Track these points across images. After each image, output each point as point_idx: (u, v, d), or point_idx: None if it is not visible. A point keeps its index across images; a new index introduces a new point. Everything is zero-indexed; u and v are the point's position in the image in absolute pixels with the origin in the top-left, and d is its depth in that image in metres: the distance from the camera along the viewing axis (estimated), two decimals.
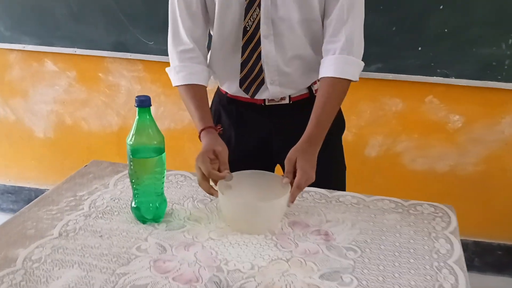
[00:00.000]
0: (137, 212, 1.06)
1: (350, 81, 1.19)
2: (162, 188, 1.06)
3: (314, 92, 1.32)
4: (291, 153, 1.09)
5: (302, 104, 1.32)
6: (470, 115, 1.99)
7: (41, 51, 2.28)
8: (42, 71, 2.35)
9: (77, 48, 2.23)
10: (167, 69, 1.31)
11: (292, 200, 1.02)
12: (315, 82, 1.32)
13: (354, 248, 0.99)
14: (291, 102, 1.32)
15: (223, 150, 1.10)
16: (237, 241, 1.00)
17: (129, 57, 2.19)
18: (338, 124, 1.36)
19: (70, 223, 1.06)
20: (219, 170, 1.08)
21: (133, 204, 1.06)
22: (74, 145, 2.48)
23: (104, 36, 2.17)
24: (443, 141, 2.05)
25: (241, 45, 1.23)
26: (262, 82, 1.27)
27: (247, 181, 1.09)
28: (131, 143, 1.00)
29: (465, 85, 1.91)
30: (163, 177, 1.06)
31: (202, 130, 1.18)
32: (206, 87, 1.28)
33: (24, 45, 2.28)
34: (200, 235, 1.02)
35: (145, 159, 1.02)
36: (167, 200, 1.11)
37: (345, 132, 1.43)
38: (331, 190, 1.22)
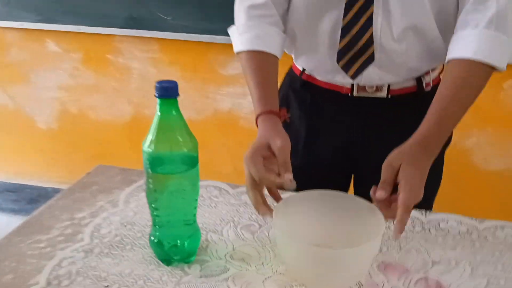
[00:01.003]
0: (158, 249, 0.73)
1: (494, 69, 0.82)
2: (194, 214, 0.73)
3: (424, 86, 0.96)
4: (394, 157, 0.75)
5: (405, 101, 0.96)
6: None
7: (42, 29, 1.97)
8: (43, 52, 2.06)
9: (82, 25, 1.91)
10: (229, 30, 0.97)
11: (401, 230, 0.69)
12: (428, 72, 0.95)
13: None
14: (389, 96, 0.95)
15: (283, 144, 0.76)
16: None
17: (143, 35, 1.89)
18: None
19: (63, 263, 0.73)
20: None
21: (152, 237, 0.73)
22: (80, 137, 2.18)
23: (113, 10, 1.86)
24: None
25: (344, 1, 0.87)
26: (372, 58, 0.90)
27: (316, 205, 0.75)
28: (150, 150, 0.67)
29: None
30: (197, 199, 0.73)
31: (259, 115, 0.84)
32: (277, 58, 0.92)
33: (22, 23, 1.97)
34: (252, 286, 0.69)
35: (170, 175, 0.68)
36: (200, 227, 0.78)
37: None
38: (423, 211, 0.88)
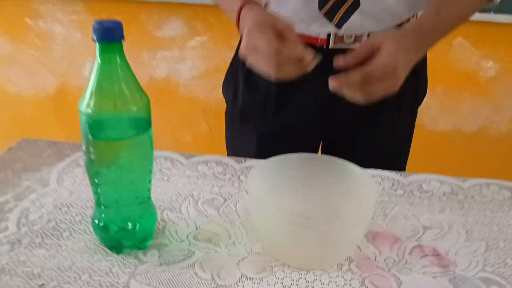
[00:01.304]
0: (105, 235, 0.59)
1: None
2: (148, 190, 0.60)
3: None
4: (378, 36, 0.67)
5: None
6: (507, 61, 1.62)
7: None
8: None
9: None
10: None
11: (338, 84, 0.64)
12: (409, 20, 0.84)
13: (497, 280, 0.57)
14: None
15: (288, 25, 0.67)
16: (295, 282, 0.56)
17: None
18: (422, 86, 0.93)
19: None
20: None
21: (96, 221, 0.59)
22: None
23: None
24: (473, 94, 1.67)
25: None
26: (358, 2, 0.77)
27: (295, 172, 0.64)
28: (89, 111, 0.52)
29: (506, 22, 1.52)
30: (151, 171, 0.59)
31: (244, 4, 0.71)
32: None
33: None
34: (225, 271, 0.57)
35: (116, 142, 0.54)
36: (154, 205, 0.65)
37: None
38: (402, 173, 0.80)
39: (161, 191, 0.72)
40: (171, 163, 0.80)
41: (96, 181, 0.56)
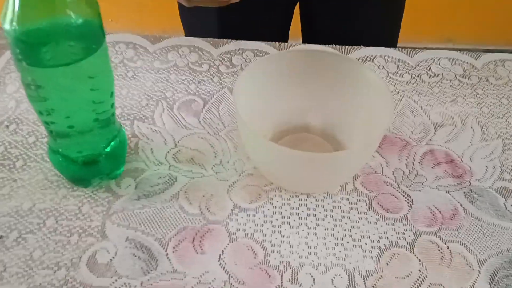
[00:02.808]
0: (66, 168, 0.49)
1: None
2: (111, 107, 0.48)
3: None
4: None
5: None
6: None
7: None
8: None
9: None
10: None
11: None
12: None
13: None
14: None
15: None
16: (295, 210, 0.49)
17: None
18: None
19: None
20: None
21: (53, 153, 0.49)
22: None
23: None
24: None
25: None
26: None
27: (290, 71, 0.52)
28: (15, 27, 0.38)
29: None
30: (113, 92, 0.47)
31: None
32: None
33: None
34: (214, 202, 0.50)
35: (61, 68, 0.41)
36: (118, 112, 0.54)
37: None
38: (409, 50, 0.69)
39: (127, 93, 0.60)
40: (134, 51, 0.66)
41: (41, 111, 0.44)
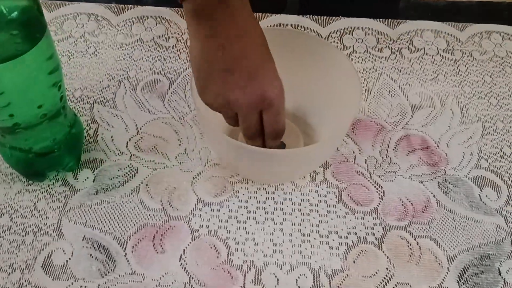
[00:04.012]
0: (18, 163, 0.46)
1: None
2: (59, 100, 0.44)
3: None
4: None
5: None
6: None
7: None
8: None
9: None
10: None
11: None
12: None
13: (492, 179, 0.50)
14: None
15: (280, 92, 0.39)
16: (261, 204, 0.47)
17: None
18: None
19: None
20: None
21: (3, 147, 0.46)
22: None
23: None
24: None
25: None
26: None
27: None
28: None
29: None
30: (60, 81, 0.43)
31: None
32: None
33: None
34: (177, 196, 0.47)
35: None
36: (77, 95, 0.51)
37: None
38: (391, 21, 0.64)
39: (87, 73, 0.57)
40: (96, 23, 0.62)
41: None
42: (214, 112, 0.40)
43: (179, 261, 0.43)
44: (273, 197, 0.48)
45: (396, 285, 0.43)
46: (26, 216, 0.45)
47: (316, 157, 0.44)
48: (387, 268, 0.44)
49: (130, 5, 0.64)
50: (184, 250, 0.44)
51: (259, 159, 0.42)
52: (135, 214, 0.46)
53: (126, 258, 0.43)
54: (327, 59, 0.47)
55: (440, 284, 0.43)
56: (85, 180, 0.48)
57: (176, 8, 0.63)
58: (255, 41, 0.38)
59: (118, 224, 0.45)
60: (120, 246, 0.44)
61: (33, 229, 0.45)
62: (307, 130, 0.51)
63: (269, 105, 0.38)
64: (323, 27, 0.63)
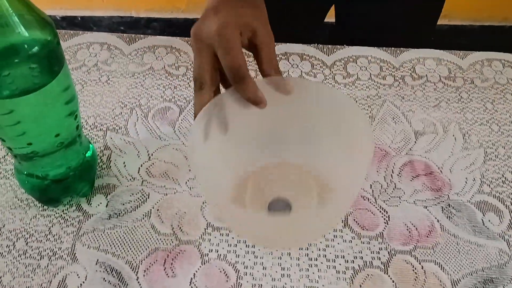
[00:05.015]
0: (33, 189, 0.48)
1: None
2: (75, 129, 0.46)
3: None
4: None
5: None
6: None
7: None
8: None
9: None
10: None
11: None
12: None
13: (494, 204, 0.51)
14: None
15: (265, 31, 0.44)
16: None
17: None
18: None
19: None
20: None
21: (18, 173, 0.47)
22: None
23: None
24: None
25: None
26: None
27: (254, 114, 0.47)
28: None
29: None
30: (75, 111, 0.45)
31: None
32: None
33: None
34: (187, 221, 0.49)
35: (13, 100, 0.39)
36: (88, 124, 0.52)
37: None
38: (393, 50, 0.66)
39: (100, 100, 0.59)
40: (109, 52, 0.64)
41: (2, 138, 0.43)
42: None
43: (189, 285, 0.44)
44: None
45: None
46: (41, 240, 0.47)
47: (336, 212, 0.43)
48: None
49: (141, 35, 0.66)
50: (194, 274, 0.45)
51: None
52: (146, 239, 0.47)
53: (138, 282, 0.44)
54: (332, 105, 0.45)
55: None
56: (98, 205, 0.49)
57: (186, 38, 0.66)
58: None
59: (130, 249, 0.46)
60: (132, 270, 0.45)
61: (48, 253, 0.46)
62: (320, 181, 0.49)
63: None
64: (328, 55, 0.65)
